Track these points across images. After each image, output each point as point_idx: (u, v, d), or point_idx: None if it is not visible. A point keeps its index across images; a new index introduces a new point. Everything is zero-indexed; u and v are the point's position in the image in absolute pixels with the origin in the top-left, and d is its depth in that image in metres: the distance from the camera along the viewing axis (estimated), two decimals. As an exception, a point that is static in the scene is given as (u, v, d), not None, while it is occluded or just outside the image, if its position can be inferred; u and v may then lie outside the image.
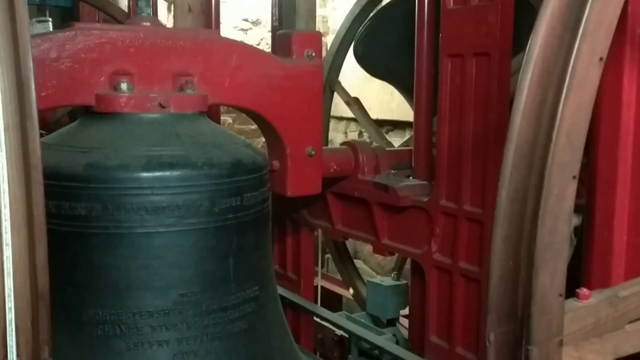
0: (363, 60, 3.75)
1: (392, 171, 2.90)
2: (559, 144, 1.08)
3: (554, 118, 1.07)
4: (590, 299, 1.25)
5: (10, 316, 0.92)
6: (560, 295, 1.13)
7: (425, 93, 2.73)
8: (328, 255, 6.62)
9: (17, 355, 0.94)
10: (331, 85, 3.87)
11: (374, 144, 3.23)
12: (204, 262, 1.96)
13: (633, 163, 1.78)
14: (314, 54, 2.50)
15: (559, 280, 1.11)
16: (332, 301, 5.00)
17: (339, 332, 3.61)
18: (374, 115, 4.57)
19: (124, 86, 2.01)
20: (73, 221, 1.85)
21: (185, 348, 1.91)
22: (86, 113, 2.06)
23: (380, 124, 5.71)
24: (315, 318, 3.46)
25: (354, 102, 3.86)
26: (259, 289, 2.12)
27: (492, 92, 2.24)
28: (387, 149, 3.05)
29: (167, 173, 1.88)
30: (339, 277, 5.60)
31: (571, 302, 1.21)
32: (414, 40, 2.72)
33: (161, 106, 2.03)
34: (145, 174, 1.85)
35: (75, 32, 1.96)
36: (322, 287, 4.56)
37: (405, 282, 3.09)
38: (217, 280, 1.98)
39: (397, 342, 2.90)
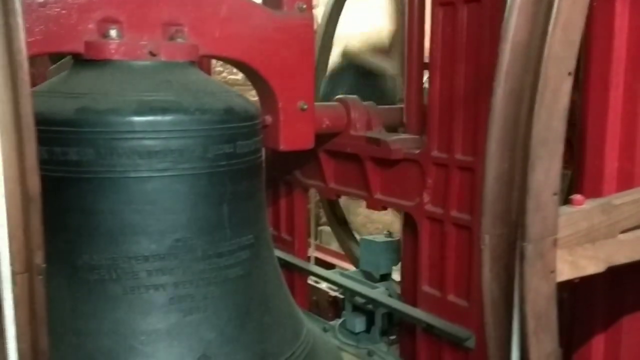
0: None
1: (383, 128, 2.91)
2: (556, 37, 1.09)
3: (549, 12, 1.07)
4: (584, 205, 1.26)
5: (2, 221, 0.93)
6: (555, 194, 1.14)
7: (417, 47, 2.73)
8: (321, 228, 6.66)
9: (11, 263, 0.95)
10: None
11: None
12: (199, 208, 1.96)
13: (624, 90, 1.79)
14: (304, 7, 2.49)
15: (553, 178, 1.12)
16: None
17: (333, 294, 3.65)
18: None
19: (113, 33, 2.00)
20: (65, 166, 1.85)
21: (182, 292, 1.92)
22: (76, 61, 2.05)
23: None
24: (309, 282, 3.50)
25: None
26: (254, 237, 2.13)
27: (484, 41, 2.24)
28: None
29: (159, 117, 1.87)
30: (332, 247, 5.65)
31: (565, 208, 1.23)
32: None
33: (152, 54, 2.03)
34: (136, 118, 1.85)
35: (64, -23, 1.94)
36: (315, 258, 4.61)
37: (397, 238, 3.11)
38: (211, 226, 1.99)
39: (391, 296, 2.92)
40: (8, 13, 0.83)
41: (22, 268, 0.95)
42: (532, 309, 1.16)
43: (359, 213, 6.59)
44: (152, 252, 1.91)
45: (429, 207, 2.50)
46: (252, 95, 4.91)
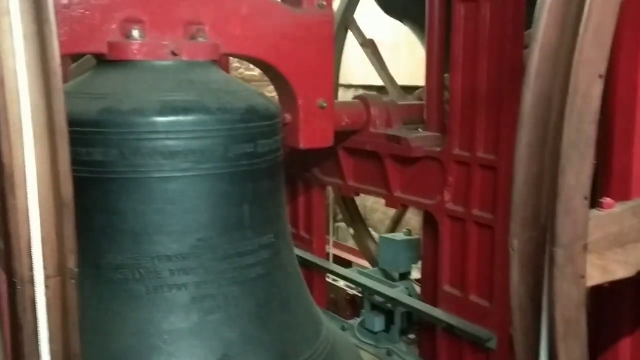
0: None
1: (403, 125, 2.89)
2: (586, 39, 1.07)
3: (580, 13, 1.05)
4: (614, 208, 1.24)
5: (35, 226, 0.94)
6: (585, 198, 1.12)
7: (437, 43, 2.71)
8: (338, 224, 6.65)
9: (44, 267, 0.95)
10: (346, 24, 3.76)
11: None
12: (220, 208, 1.96)
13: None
14: (324, 3, 2.48)
15: (583, 182, 1.11)
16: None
17: (351, 292, 3.65)
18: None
19: (135, 33, 2.00)
20: (89, 166, 1.86)
21: (204, 291, 1.93)
22: (99, 62, 2.06)
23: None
24: (327, 279, 3.49)
25: (369, 44, 3.78)
26: (274, 236, 2.13)
27: (506, 37, 2.21)
28: (399, 102, 3.03)
29: (181, 117, 1.88)
30: (348, 244, 5.64)
31: (595, 211, 1.21)
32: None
33: (173, 54, 2.03)
34: (159, 119, 1.85)
35: (86, -22, 1.95)
36: (332, 254, 4.60)
37: (417, 236, 3.10)
38: (232, 225, 1.99)
39: (410, 295, 2.92)
40: (42, 22, 0.84)
41: (55, 272, 0.96)
42: (561, 314, 1.14)
43: (376, 210, 6.57)
44: (174, 251, 1.92)
45: (450, 206, 2.48)
46: (269, 91, 4.91)
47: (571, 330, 1.16)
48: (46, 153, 0.91)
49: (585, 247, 1.14)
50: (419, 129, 2.88)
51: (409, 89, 3.86)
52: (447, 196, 2.48)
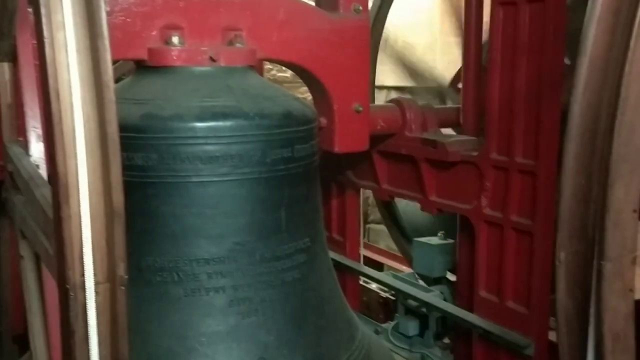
0: None
1: (439, 129, 2.88)
2: (638, 52, 1.05)
3: (631, 24, 1.04)
4: (664, 219, 1.21)
5: (87, 234, 0.96)
6: (634, 211, 1.10)
7: (474, 46, 2.69)
8: (369, 226, 6.64)
9: (94, 273, 0.97)
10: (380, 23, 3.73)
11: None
12: (257, 212, 1.98)
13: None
14: (361, 8, 2.48)
15: (633, 195, 1.09)
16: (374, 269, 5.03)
17: (384, 295, 3.64)
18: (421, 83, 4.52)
19: (175, 40, 2.03)
20: (130, 171, 1.89)
21: (241, 295, 1.95)
22: (139, 67, 2.09)
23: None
24: (361, 282, 3.49)
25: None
26: (310, 240, 2.14)
27: (546, 41, 2.19)
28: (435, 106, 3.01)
29: (220, 123, 1.90)
30: (380, 246, 5.62)
31: (644, 223, 1.19)
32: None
33: (212, 59, 2.05)
34: (199, 124, 1.88)
35: (128, -15, 1.99)
36: (364, 256, 4.59)
37: (452, 241, 3.08)
38: (269, 229, 2.01)
39: (445, 300, 2.90)
40: (96, 37, 0.86)
41: (105, 278, 0.98)
42: (609, 328, 1.12)
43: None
44: (212, 255, 1.94)
45: (487, 211, 2.46)
46: (301, 92, 4.91)
47: (619, 345, 1.14)
48: (98, 163, 0.93)
49: (634, 261, 1.12)
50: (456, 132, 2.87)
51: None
52: (484, 201, 2.46)
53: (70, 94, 0.89)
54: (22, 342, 2.66)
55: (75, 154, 0.92)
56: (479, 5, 2.67)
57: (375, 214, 6.27)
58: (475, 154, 2.51)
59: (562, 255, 1.15)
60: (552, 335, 2.37)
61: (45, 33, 0.85)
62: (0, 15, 1.62)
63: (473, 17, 2.69)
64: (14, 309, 2.67)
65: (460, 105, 2.87)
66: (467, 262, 2.71)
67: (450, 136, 2.72)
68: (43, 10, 0.85)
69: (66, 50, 0.87)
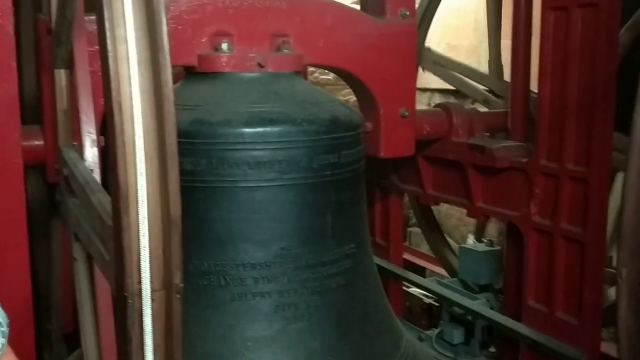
0: None
1: (487, 134, 2.84)
2: None
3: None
4: None
5: (144, 243, 0.97)
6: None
7: (523, 51, 2.65)
8: (411, 229, 6.58)
9: (151, 280, 0.99)
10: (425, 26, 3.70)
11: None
12: (303, 217, 1.99)
13: None
14: (408, 13, 2.46)
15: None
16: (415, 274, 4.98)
17: (428, 300, 3.60)
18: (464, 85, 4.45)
19: (224, 46, 2.06)
20: (180, 175, 1.91)
21: (286, 300, 1.95)
22: (188, 74, 2.13)
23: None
24: (404, 287, 3.46)
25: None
26: (356, 246, 2.13)
27: (599, 46, 2.13)
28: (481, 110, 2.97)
29: (268, 129, 1.91)
30: (421, 250, 5.57)
31: None
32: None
33: (260, 65, 2.07)
34: (247, 130, 1.89)
35: (179, -7, 2.02)
36: (405, 259, 4.55)
37: (499, 247, 3.03)
38: (315, 235, 2.01)
39: (492, 308, 2.85)
40: (157, 50, 0.88)
41: (160, 286, 1.00)
42: (671, 344, 1.09)
43: (451, 215, 6.48)
44: (258, 259, 1.95)
45: (537, 218, 2.41)
46: (343, 95, 4.90)
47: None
48: (156, 173, 0.94)
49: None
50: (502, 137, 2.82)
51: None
52: (533, 209, 2.42)
53: (131, 106, 0.90)
54: (71, 340, 2.73)
55: (135, 164, 0.93)
56: (528, 8, 2.63)
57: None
58: (524, 160, 2.47)
59: (623, 271, 1.12)
60: (604, 347, 2.31)
61: (109, 47, 0.87)
62: (59, 23, 1.66)
63: (522, 20, 2.64)
64: (63, 308, 2.73)
65: (507, 110, 2.82)
66: (514, 269, 2.67)
67: (497, 142, 2.68)
68: (107, 25, 0.87)
69: (128, 63, 0.89)
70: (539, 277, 2.43)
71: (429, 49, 3.71)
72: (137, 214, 0.95)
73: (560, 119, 2.29)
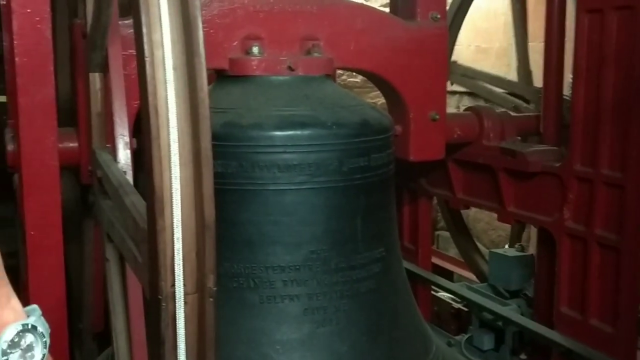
0: None
1: (518, 137, 2.80)
2: None
3: None
4: None
5: (178, 246, 0.98)
6: None
7: (556, 54, 2.61)
8: (438, 232, 6.53)
9: (184, 284, 1.00)
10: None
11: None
12: (333, 220, 1.98)
13: None
14: (439, 16, 2.45)
15: None
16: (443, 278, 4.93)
17: (456, 305, 3.56)
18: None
19: (255, 50, 2.07)
20: (210, 178, 1.93)
21: (315, 304, 1.95)
22: (219, 77, 2.14)
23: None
24: (432, 292, 3.43)
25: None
26: (385, 250, 2.12)
27: (636, 49, 2.09)
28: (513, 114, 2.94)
29: (298, 132, 1.92)
30: (449, 253, 5.52)
31: None
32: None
33: (290, 69, 2.07)
34: (278, 133, 1.90)
35: (211, -2, 2.04)
36: (432, 263, 4.51)
37: (531, 253, 2.98)
38: (345, 238, 2.01)
39: (522, 314, 2.81)
40: (192, 54, 0.88)
41: (193, 289, 1.00)
42: None
43: (480, 219, 6.41)
44: (287, 262, 1.95)
45: (570, 224, 2.37)
46: (371, 98, 4.88)
47: None
48: (190, 177, 0.95)
49: None
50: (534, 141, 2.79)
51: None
52: (566, 214, 2.38)
53: (167, 110, 0.91)
54: (102, 339, 2.77)
55: (170, 167, 0.94)
56: (561, 10, 2.59)
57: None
58: (557, 164, 2.43)
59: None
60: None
61: (146, 52, 0.88)
62: (95, 28, 1.69)
63: (555, 22, 2.61)
64: (94, 308, 2.77)
65: (539, 113, 2.78)
66: (546, 275, 2.63)
67: (529, 145, 2.64)
68: (144, 30, 0.88)
69: (164, 68, 0.90)
70: (572, 283, 2.39)
71: (455, 63, 3.69)
72: (172, 217, 0.96)
73: (595, 123, 2.25)
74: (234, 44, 2.07)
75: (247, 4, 2.10)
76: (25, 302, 1.08)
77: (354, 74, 5.90)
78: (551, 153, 2.52)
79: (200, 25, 0.91)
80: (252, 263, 1.96)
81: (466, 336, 2.95)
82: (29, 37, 1.74)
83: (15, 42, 1.75)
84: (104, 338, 2.60)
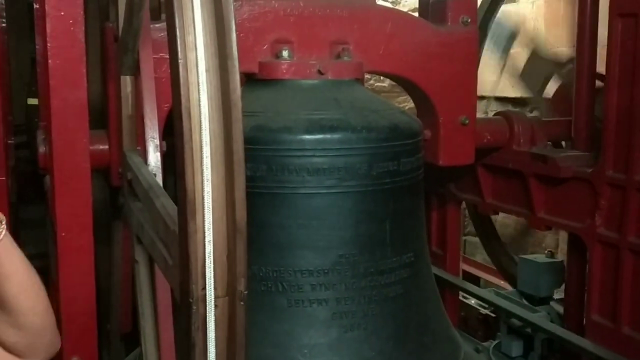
0: None
1: (549, 143, 2.76)
2: None
3: None
4: None
5: (209, 249, 0.98)
6: None
7: (588, 58, 2.57)
8: (465, 238, 6.46)
9: (214, 287, 1.00)
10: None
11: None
12: (362, 225, 1.98)
13: None
14: (469, 20, 2.43)
15: None
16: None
17: (484, 311, 3.52)
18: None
19: (285, 54, 2.07)
20: (240, 181, 1.93)
21: (344, 308, 1.94)
22: (249, 80, 2.15)
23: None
24: (460, 297, 3.40)
25: None
26: (414, 255, 2.10)
27: (672, 53, 2.05)
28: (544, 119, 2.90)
29: (328, 136, 1.91)
30: (476, 259, 5.46)
31: None
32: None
33: (320, 73, 2.07)
34: (307, 137, 1.90)
35: (241, 2, 2.05)
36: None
37: (561, 259, 2.93)
38: (374, 243, 2.00)
39: (552, 321, 2.76)
40: (225, 56, 0.88)
41: (224, 292, 1.00)
42: None
43: (507, 225, 6.34)
44: (316, 266, 1.95)
45: (602, 231, 2.33)
46: (398, 102, 4.85)
47: None
48: (222, 180, 0.95)
49: None
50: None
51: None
52: (598, 220, 2.33)
53: (199, 113, 0.91)
54: (129, 340, 2.79)
55: (202, 171, 0.94)
56: (594, 15, 2.54)
57: (472, 225, 6.11)
58: (589, 170, 2.39)
59: None
60: (674, 367, 2.21)
61: (179, 54, 0.88)
62: (126, 31, 1.70)
63: (587, 27, 2.56)
64: (122, 309, 2.79)
65: (571, 118, 2.74)
66: (577, 282, 2.58)
67: (560, 151, 2.60)
68: (178, 32, 0.88)
69: (197, 70, 0.90)
70: (603, 290, 2.34)
71: None
72: (204, 220, 0.96)
73: (628, 129, 2.21)
74: (264, 47, 2.07)
75: (277, 7, 2.10)
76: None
77: (382, 78, 5.88)
78: (582, 158, 2.48)
79: (233, 28, 0.91)
80: (281, 267, 1.96)
81: (494, 342, 2.92)
82: (63, 40, 1.77)
83: (48, 44, 1.77)
84: (132, 339, 2.62)
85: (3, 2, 2.72)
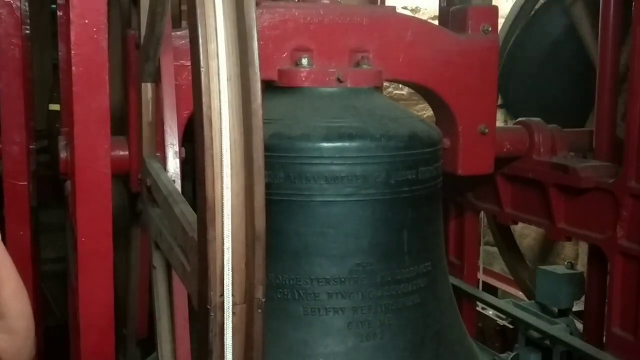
0: None
1: (571, 153, 2.73)
2: None
3: None
4: None
5: (228, 256, 0.98)
6: None
7: (610, 68, 2.54)
8: (483, 247, 6.40)
9: (232, 294, 1.00)
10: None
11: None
12: (379, 233, 1.97)
13: None
14: (490, 29, 2.41)
15: None
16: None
17: (502, 322, 3.48)
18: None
19: (304, 61, 2.08)
20: (258, 189, 1.94)
21: (360, 317, 1.94)
22: (268, 87, 2.15)
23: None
24: (477, 308, 3.37)
25: None
26: (432, 264, 2.09)
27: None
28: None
29: (346, 144, 1.91)
30: (493, 269, 5.41)
31: None
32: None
33: (339, 81, 2.07)
34: (325, 144, 1.90)
35: (262, 10, 2.05)
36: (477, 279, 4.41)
37: (581, 271, 2.90)
38: (391, 252, 1.99)
39: (571, 334, 2.73)
40: (247, 64, 0.89)
41: (242, 299, 1.00)
42: None
43: (526, 235, 6.27)
44: (333, 274, 1.94)
45: (623, 242, 2.29)
46: (417, 110, 4.83)
47: None
48: (242, 187, 0.95)
49: None
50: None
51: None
52: (620, 232, 2.30)
53: (220, 120, 0.92)
54: (145, 345, 2.80)
55: (222, 177, 0.94)
56: (618, 22, 2.52)
57: (489, 235, 6.06)
58: (610, 180, 2.36)
59: None
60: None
61: (202, 62, 0.89)
62: (148, 39, 1.72)
63: (610, 34, 2.54)
64: (139, 314, 2.81)
65: (592, 128, 2.71)
66: (597, 294, 2.54)
67: (581, 161, 2.57)
68: (200, 40, 0.89)
69: (218, 78, 0.90)
70: (624, 303, 2.31)
71: None
72: (223, 227, 0.96)
73: (652, 139, 2.17)
74: (284, 55, 2.08)
75: (297, 15, 2.10)
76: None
77: (400, 86, 5.87)
78: (604, 169, 2.45)
79: (255, 36, 0.91)
80: (297, 274, 1.95)
81: (512, 354, 2.89)
82: (86, 47, 1.78)
83: (72, 51, 1.79)
84: (147, 344, 2.63)
85: (28, 10, 2.75)
